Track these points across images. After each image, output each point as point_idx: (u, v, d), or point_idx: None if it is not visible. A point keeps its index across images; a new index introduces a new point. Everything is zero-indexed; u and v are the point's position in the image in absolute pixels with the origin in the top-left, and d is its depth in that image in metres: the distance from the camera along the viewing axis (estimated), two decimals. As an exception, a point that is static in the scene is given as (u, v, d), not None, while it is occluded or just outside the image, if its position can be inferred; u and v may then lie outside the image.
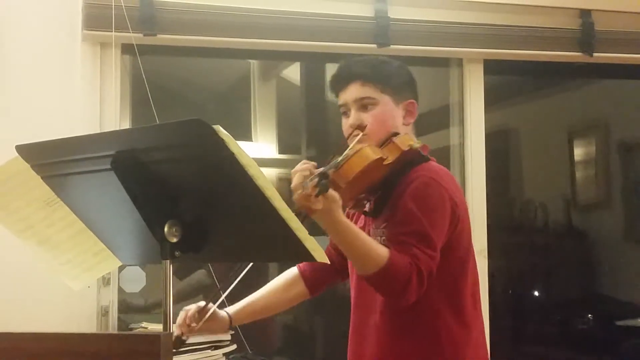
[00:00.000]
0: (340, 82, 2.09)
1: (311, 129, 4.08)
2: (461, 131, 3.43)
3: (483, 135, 3.41)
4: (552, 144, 4.62)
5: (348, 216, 2.16)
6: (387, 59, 2.17)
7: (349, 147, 1.93)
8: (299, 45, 3.14)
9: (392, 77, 2.08)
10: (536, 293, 4.54)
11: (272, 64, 4.13)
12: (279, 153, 4.30)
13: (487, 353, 2.13)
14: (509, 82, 4.25)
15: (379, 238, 1.99)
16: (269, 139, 4.28)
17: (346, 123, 2.08)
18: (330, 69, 3.83)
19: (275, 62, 4.02)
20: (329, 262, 1.65)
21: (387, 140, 1.99)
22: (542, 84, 4.36)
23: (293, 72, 4.11)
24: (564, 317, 4.42)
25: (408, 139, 2.00)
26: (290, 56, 3.61)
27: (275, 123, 4.26)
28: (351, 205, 2.09)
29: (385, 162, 1.92)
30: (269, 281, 3.36)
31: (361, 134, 2.00)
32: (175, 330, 2.01)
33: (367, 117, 2.03)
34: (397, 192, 1.96)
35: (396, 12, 3.20)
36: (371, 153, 1.91)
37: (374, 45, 3.15)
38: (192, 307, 2.06)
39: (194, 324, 2.03)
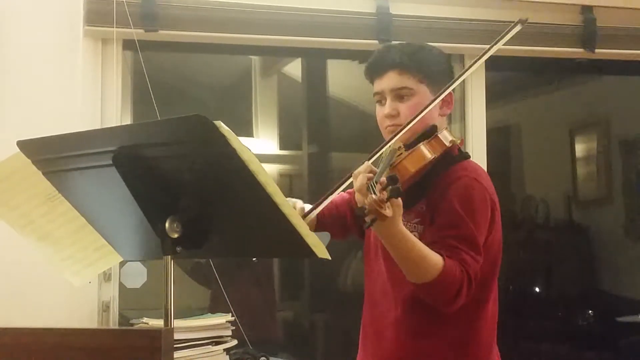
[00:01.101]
0: (377, 69, 2.00)
1: (312, 125, 4.08)
2: (462, 127, 3.42)
3: (484, 131, 3.40)
4: (553, 140, 4.62)
5: None
6: (427, 45, 2.08)
7: (391, 142, 1.88)
8: (300, 41, 3.14)
9: (431, 66, 2.00)
10: (537, 289, 4.54)
11: (274, 60, 4.13)
12: (280, 149, 4.30)
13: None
14: (510, 78, 4.25)
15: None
16: (270, 135, 4.28)
17: (380, 112, 2.00)
18: (332, 65, 3.84)
19: (277, 58, 4.02)
20: (329, 258, 1.63)
21: (431, 135, 1.92)
22: (543, 81, 4.37)
23: (294, 68, 4.11)
24: (564, 313, 4.42)
25: (450, 134, 1.94)
26: (292, 52, 3.61)
27: (277, 119, 4.27)
28: None
29: (434, 159, 1.87)
30: (273, 277, 3.37)
31: (397, 137, 1.92)
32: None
33: (403, 108, 1.96)
34: (437, 189, 1.90)
35: (398, 8, 3.19)
36: (427, 153, 1.86)
37: (376, 41, 3.15)
38: (297, 205, 1.98)
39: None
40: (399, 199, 1.68)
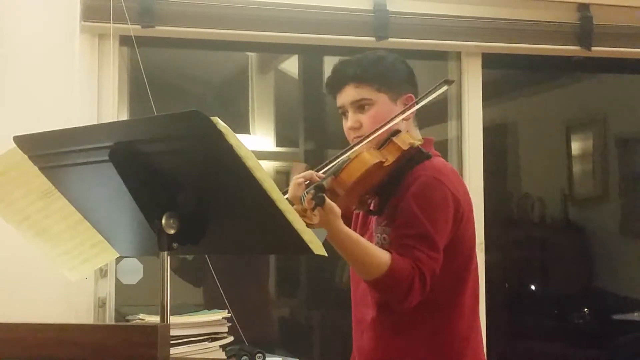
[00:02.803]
0: (335, 85, 2.08)
1: (309, 121, 4.08)
2: (459, 125, 3.43)
3: (481, 129, 3.41)
4: (550, 138, 4.63)
5: (354, 215, 2.16)
6: (382, 53, 2.14)
7: (347, 153, 1.93)
8: (297, 38, 3.14)
9: (387, 74, 2.05)
10: (533, 287, 4.55)
11: (270, 57, 4.12)
12: (277, 146, 4.30)
13: (484, 352, 2.12)
14: (507, 75, 4.25)
15: (379, 235, 1.99)
16: (266, 131, 4.28)
17: (345, 125, 2.07)
18: (329, 62, 3.83)
19: (274, 54, 4.01)
20: (326, 255, 1.65)
21: (387, 140, 1.97)
22: (540, 78, 4.37)
23: (291, 65, 4.10)
24: (560, 311, 4.43)
25: (408, 138, 1.98)
26: (289, 49, 3.61)
27: (273, 116, 4.26)
28: (355, 206, 2.08)
29: (386, 164, 1.92)
30: (269, 274, 3.38)
31: (362, 144, 1.97)
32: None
33: (364, 118, 2.02)
34: (399, 191, 1.95)
35: (395, 5, 3.19)
36: (369, 158, 1.90)
37: (373, 38, 3.15)
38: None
39: None
40: (331, 204, 1.76)
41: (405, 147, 1.94)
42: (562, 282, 4.54)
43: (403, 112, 2.01)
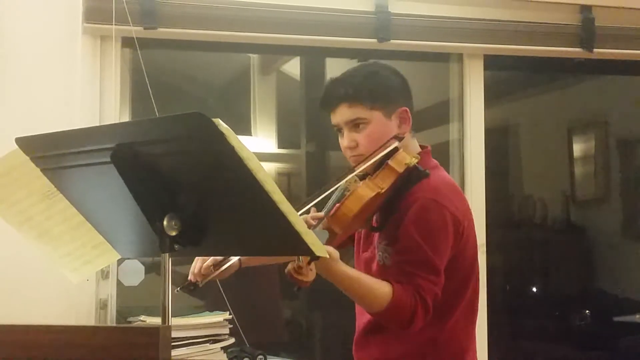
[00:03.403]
0: (329, 104, 2.05)
1: (311, 123, 4.08)
2: (461, 127, 3.43)
3: (483, 131, 3.41)
4: (552, 140, 4.63)
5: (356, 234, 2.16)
6: (374, 68, 2.11)
7: (339, 185, 1.89)
8: (299, 39, 3.14)
9: (380, 91, 2.01)
10: (534, 289, 4.54)
11: (272, 59, 4.12)
12: (279, 147, 4.30)
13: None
14: (508, 77, 4.25)
15: (381, 254, 1.99)
16: (268, 133, 4.28)
17: (342, 144, 2.05)
18: (330, 64, 3.83)
19: (275, 56, 4.02)
20: (327, 256, 1.65)
21: (382, 164, 1.93)
22: (542, 80, 4.37)
23: (293, 67, 4.10)
24: (561, 313, 4.42)
25: (403, 158, 1.93)
26: (290, 51, 3.61)
27: (275, 117, 4.26)
28: (358, 228, 2.08)
29: (382, 192, 1.89)
30: (271, 274, 3.36)
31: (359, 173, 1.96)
32: (189, 276, 1.98)
33: (360, 137, 1.99)
34: (399, 212, 1.93)
35: (396, 7, 3.19)
36: (365, 192, 1.87)
37: (374, 40, 3.15)
38: (208, 259, 2.00)
39: (210, 272, 1.97)
40: (329, 249, 1.74)
41: (401, 170, 1.91)
42: (563, 283, 4.54)
43: (383, 147, 1.96)
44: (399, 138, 1.98)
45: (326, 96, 2.06)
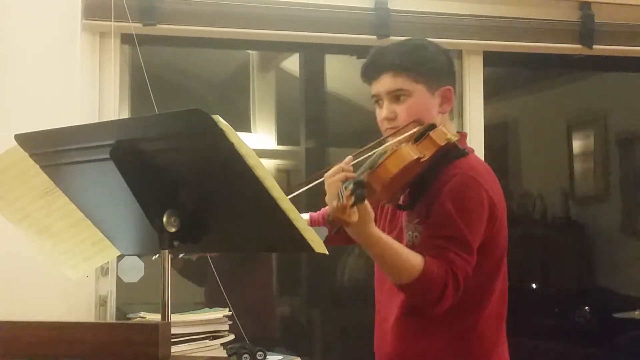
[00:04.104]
0: (372, 73, 1.99)
1: (310, 120, 4.07)
2: (460, 123, 3.42)
3: (482, 127, 3.41)
4: (551, 137, 4.63)
5: (380, 210, 2.09)
6: (423, 42, 2.06)
7: (383, 146, 1.86)
8: (298, 36, 3.14)
9: (427, 64, 1.98)
10: (533, 285, 4.55)
11: (272, 55, 4.12)
12: (278, 144, 4.30)
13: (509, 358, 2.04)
14: (508, 74, 4.25)
15: (410, 233, 1.93)
16: (267, 130, 4.28)
17: (380, 114, 1.99)
18: (330, 60, 3.83)
19: (275, 53, 4.01)
20: (327, 253, 1.64)
21: (423, 135, 1.88)
22: (541, 76, 4.37)
23: (292, 63, 4.10)
24: (561, 309, 4.43)
25: (445, 133, 1.89)
26: (290, 47, 3.61)
27: (274, 114, 4.26)
28: (385, 201, 2.02)
29: (422, 160, 1.84)
30: (271, 273, 3.35)
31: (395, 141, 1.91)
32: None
33: (400, 109, 1.95)
34: (434, 188, 1.87)
35: (396, 4, 3.19)
36: (409, 153, 1.82)
37: (374, 37, 3.15)
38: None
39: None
40: (365, 202, 1.68)
41: (442, 143, 1.86)
42: (562, 280, 4.54)
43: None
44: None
45: (371, 63, 2.01)
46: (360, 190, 1.64)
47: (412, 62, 1.96)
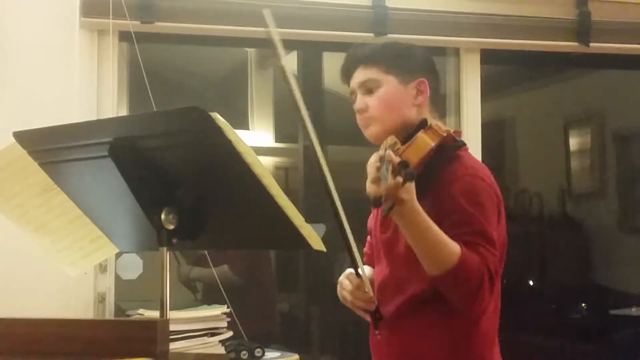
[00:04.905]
0: (348, 69, 2.02)
1: (308, 118, 4.08)
2: (457, 120, 3.43)
3: (479, 125, 3.41)
4: (548, 134, 4.64)
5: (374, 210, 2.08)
6: (396, 40, 2.11)
7: (394, 143, 1.80)
8: (296, 34, 3.14)
9: (398, 56, 1.99)
10: (531, 282, 4.56)
11: (269, 53, 4.12)
12: (276, 142, 4.31)
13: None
14: (505, 71, 4.26)
15: None
16: (265, 127, 4.29)
17: (354, 108, 2.01)
18: (328, 58, 3.84)
19: (272, 50, 4.02)
20: (325, 250, 1.64)
21: (425, 126, 1.88)
22: (538, 74, 4.38)
23: (290, 61, 4.11)
24: (558, 306, 4.44)
25: (442, 125, 1.89)
26: (288, 45, 3.60)
27: (272, 112, 4.28)
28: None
29: (433, 149, 1.83)
30: (270, 274, 3.31)
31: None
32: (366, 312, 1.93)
33: (371, 100, 1.96)
34: (440, 186, 1.86)
35: (393, 1, 3.19)
36: (428, 141, 1.82)
37: (372, 34, 3.15)
38: (346, 282, 1.95)
39: (367, 291, 1.88)
40: (412, 183, 1.66)
41: (443, 134, 1.85)
42: (559, 277, 4.56)
43: None
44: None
45: (345, 61, 2.04)
46: (407, 169, 1.62)
47: (383, 54, 1.98)
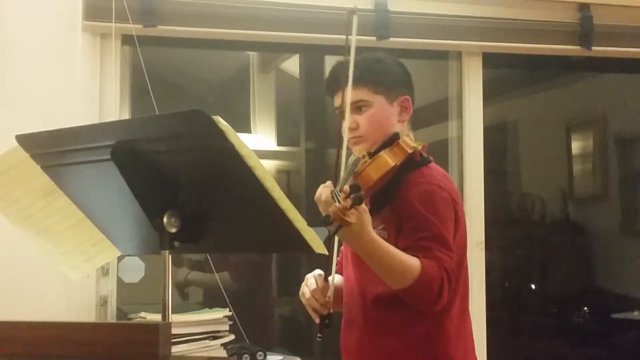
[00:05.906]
0: (333, 86, 2.09)
1: (310, 121, 4.09)
2: (460, 124, 3.43)
3: (481, 129, 3.41)
4: (550, 138, 4.64)
5: None
6: (380, 56, 2.15)
7: (353, 156, 1.95)
8: (298, 37, 3.14)
9: (384, 76, 2.08)
10: (533, 286, 4.55)
11: (272, 56, 4.13)
12: (278, 145, 4.31)
13: (475, 353, 2.10)
14: (507, 75, 4.26)
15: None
16: (268, 131, 4.29)
17: (342, 125, 2.05)
18: (330, 62, 3.84)
19: (275, 54, 4.03)
20: (327, 253, 1.66)
21: (393, 143, 2.00)
22: (540, 78, 4.38)
23: (292, 65, 4.12)
24: (560, 310, 4.44)
25: (411, 142, 2.01)
26: (290, 48, 3.61)
27: (274, 115, 4.28)
28: None
29: (396, 166, 1.95)
30: (271, 277, 3.32)
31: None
32: (318, 314, 2.02)
33: (361, 119, 2.04)
34: (401, 195, 1.96)
35: (396, 5, 3.20)
36: (388, 160, 1.94)
37: (374, 38, 3.15)
38: (312, 280, 2.06)
39: (327, 297, 2.01)
40: (363, 205, 1.75)
41: (409, 150, 1.98)
42: (562, 281, 4.55)
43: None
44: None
45: (331, 78, 2.12)
46: (357, 192, 1.70)
47: (370, 74, 2.06)
